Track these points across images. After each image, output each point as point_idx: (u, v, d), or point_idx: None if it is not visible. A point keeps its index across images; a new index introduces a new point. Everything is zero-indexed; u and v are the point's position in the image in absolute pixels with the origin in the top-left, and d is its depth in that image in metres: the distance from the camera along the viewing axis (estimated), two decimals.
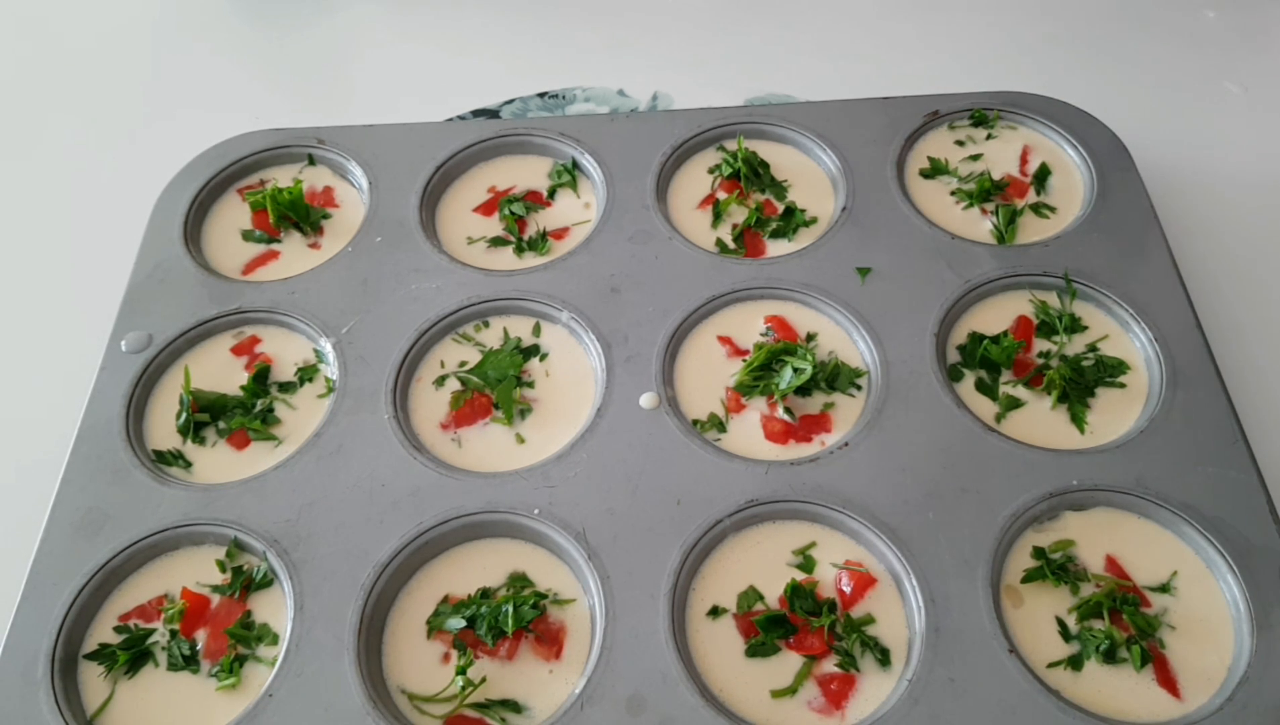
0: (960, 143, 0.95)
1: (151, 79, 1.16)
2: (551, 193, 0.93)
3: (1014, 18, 1.17)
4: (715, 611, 0.68)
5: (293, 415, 0.79)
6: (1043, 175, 0.92)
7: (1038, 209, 0.90)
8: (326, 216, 0.92)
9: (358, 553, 0.70)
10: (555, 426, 0.78)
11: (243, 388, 0.80)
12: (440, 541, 0.71)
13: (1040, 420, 0.77)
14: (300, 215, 0.90)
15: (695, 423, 0.77)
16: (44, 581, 0.70)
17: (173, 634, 0.68)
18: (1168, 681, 0.65)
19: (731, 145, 0.95)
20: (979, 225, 0.89)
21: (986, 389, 0.79)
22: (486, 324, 0.84)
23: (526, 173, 0.95)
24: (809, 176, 0.93)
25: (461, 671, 0.65)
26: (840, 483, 0.72)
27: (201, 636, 0.68)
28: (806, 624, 0.67)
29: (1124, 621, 0.67)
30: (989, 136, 0.95)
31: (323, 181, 0.95)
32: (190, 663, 0.67)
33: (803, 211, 0.90)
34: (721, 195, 0.91)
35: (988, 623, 0.66)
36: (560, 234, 0.90)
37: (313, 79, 1.15)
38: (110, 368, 0.81)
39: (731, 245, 0.88)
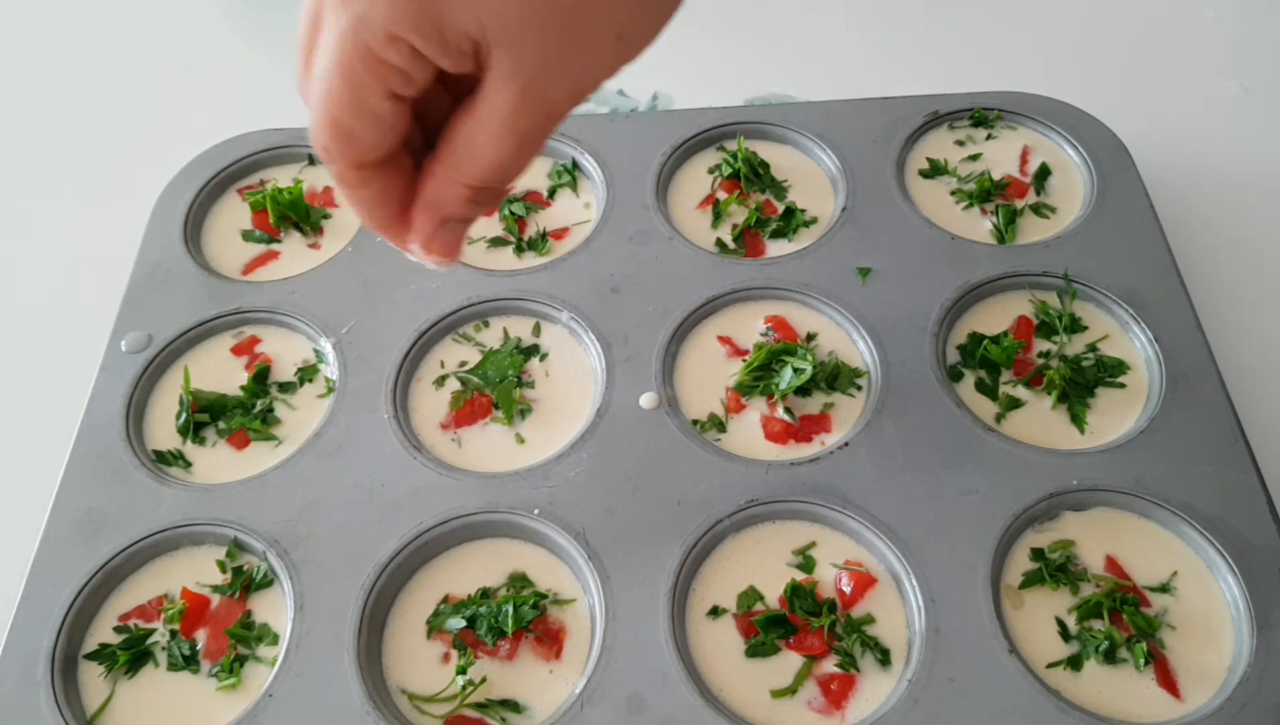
0: (960, 143, 0.95)
1: (151, 79, 1.15)
2: (551, 193, 0.93)
3: (1014, 18, 1.17)
4: (715, 611, 0.68)
5: (293, 415, 0.79)
6: (1043, 175, 0.92)
7: (1038, 209, 0.90)
8: (326, 216, 0.92)
9: (358, 553, 0.70)
10: (555, 426, 0.78)
11: (243, 388, 0.80)
12: (440, 541, 0.71)
13: (1040, 420, 0.77)
14: (300, 215, 0.90)
15: (695, 423, 0.77)
16: (44, 581, 0.70)
17: (173, 634, 0.68)
18: (1167, 681, 0.65)
19: (731, 145, 0.95)
20: (979, 225, 0.89)
21: (986, 389, 0.79)
22: (486, 324, 0.84)
23: (526, 172, 0.95)
24: (809, 176, 0.93)
25: (462, 671, 0.65)
26: (840, 483, 0.72)
27: (201, 636, 0.68)
28: (806, 624, 0.67)
29: (1124, 621, 0.67)
30: (989, 137, 0.95)
31: (323, 181, 0.95)
32: (190, 663, 0.67)
33: (803, 211, 0.90)
34: (722, 195, 0.91)
35: (988, 623, 0.66)
36: (560, 234, 0.90)
37: None
38: (110, 368, 0.81)
39: (731, 245, 0.88)
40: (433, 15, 0.39)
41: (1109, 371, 0.79)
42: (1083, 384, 0.78)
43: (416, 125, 0.47)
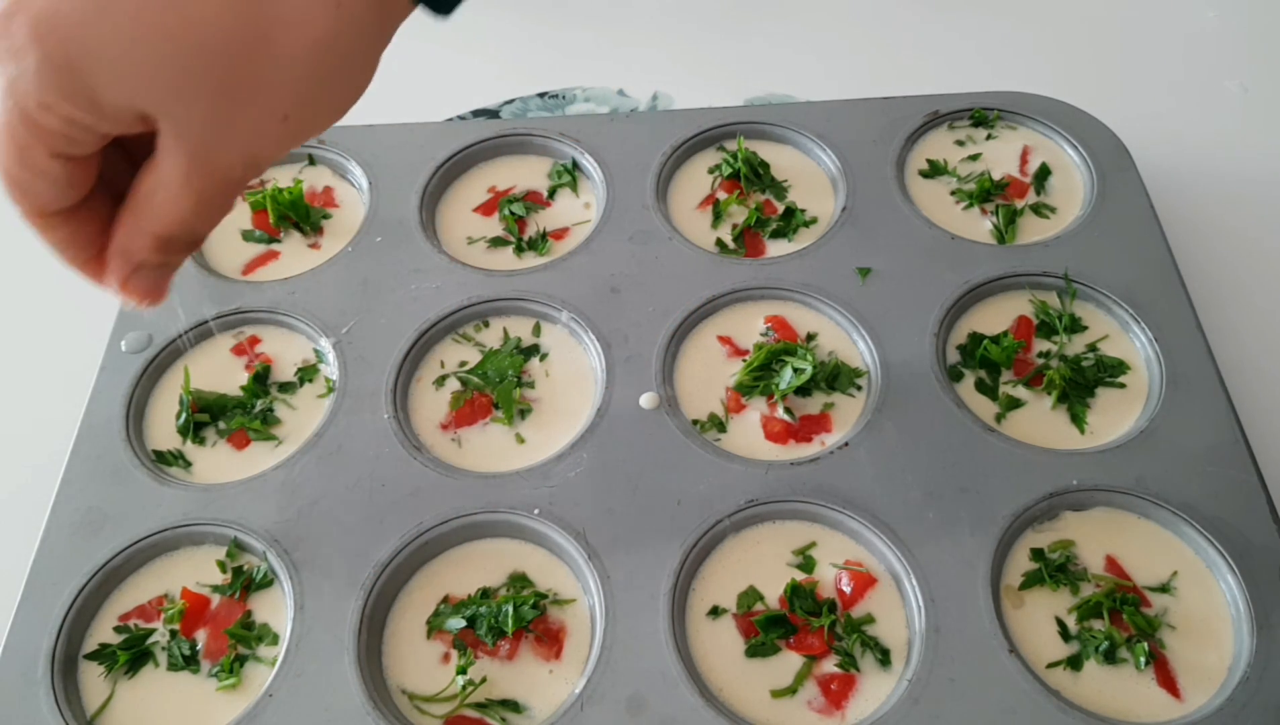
0: (960, 143, 0.95)
1: None
2: (551, 193, 0.93)
3: (1014, 18, 1.17)
4: (715, 611, 0.68)
5: (293, 415, 0.79)
6: (1043, 175, 0.92)
7: (1038, 209, 0.90)
8: (326, 216, 0.92)
9: (358, 553, 0.70)
10: (555, 426, 0.78)
11: (243, 388, 0.80)
12: (440, 541, 0.71)
13: (1040, 420, 0.77)
14: (300, 215, 0.90)
15: (695, 423, 0.77)
16: (44, 581, 0.70)
17: (173, 634, 0.68)
18: (1168, 681, 0.65)
19: (731, 145, 0.95)
20: (979, 225, 0.89)
21: (986, 389, 0.79)
22: (486, 324, 0.84)
23: (526, 173, 0.95)
24: (809, 176, 0.93)
25: (462, 671, 0.65)
26: (840, 483, 0.72)
27: (201, 636, 0.68)
28: (806, 624, 0.67)
29: (1124, 622, 0.67)
30: (989, 137, 0.95)
31: (323, 181, 0.95)
32: (190, 663, 0.67)
33: (803, 211, 0.90)
34: (722, 195, 0.91)
35: (988, 623, 0.66)
36: (560, 234, 0.90)
37: None
38: (110, 368, 0.81)
39: (731, 245, 0.88)
40: (83, 89, 0.39)
41: (1109, 371, 0.79)
42: (1083, 384, 0.78)
43: (127, 166, 0.46)
